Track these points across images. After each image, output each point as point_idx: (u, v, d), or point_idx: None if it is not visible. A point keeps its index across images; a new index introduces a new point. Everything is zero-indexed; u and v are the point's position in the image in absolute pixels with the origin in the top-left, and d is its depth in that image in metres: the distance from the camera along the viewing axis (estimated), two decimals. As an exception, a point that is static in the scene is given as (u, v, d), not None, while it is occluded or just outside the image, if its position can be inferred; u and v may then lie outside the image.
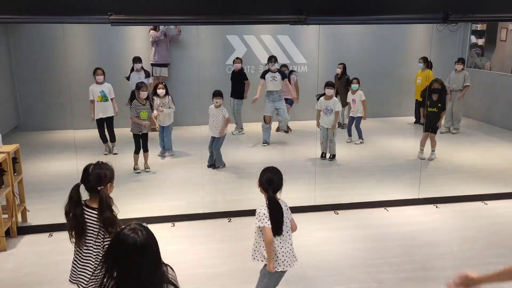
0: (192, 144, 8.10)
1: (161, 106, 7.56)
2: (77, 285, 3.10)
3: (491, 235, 5.15)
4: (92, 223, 3.00)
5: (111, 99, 7.82)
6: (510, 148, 8.54)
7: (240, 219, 5.48)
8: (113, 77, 8.24)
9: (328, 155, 7.79)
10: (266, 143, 8.61)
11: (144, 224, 2.10)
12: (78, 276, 3.06)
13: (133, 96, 7.41)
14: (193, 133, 7.95)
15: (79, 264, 3.06)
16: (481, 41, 11.36)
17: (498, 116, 10.16)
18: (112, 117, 7.94)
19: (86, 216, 3.00)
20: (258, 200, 5.22)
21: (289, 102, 9.35)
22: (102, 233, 3.00)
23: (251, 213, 4.85)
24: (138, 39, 9.78)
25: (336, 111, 7.52)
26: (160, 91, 7.54)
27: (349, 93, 8.72)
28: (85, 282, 3.05)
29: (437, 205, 5.95)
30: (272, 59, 8.58)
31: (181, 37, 9.77)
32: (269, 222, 3.30)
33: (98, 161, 3.09)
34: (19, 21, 6.37)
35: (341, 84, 9.44)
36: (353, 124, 8.73)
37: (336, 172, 7.21)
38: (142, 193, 6.28)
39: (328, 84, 7.55)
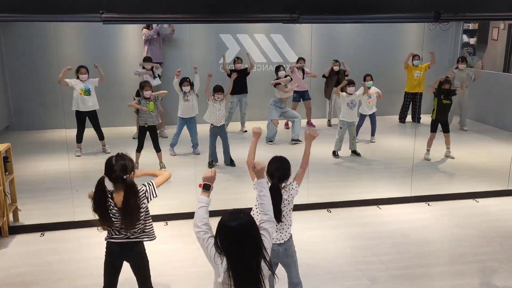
0: (185, 142, 8.07)
1: (187, 96, 7.55)
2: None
3: (483, 232, 5.20)
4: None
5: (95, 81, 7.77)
6: (501, 146, 8.61)
7: (234, 218, 5.47)
8: (105, 76, 8.17)
9: (347, 152, 7.87)
10: (271, 141, 8.64)
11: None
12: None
13: (138, 93, 7.38)
14: (186, 132, 7.93)
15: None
16: (472, 40, 11.44)
17: (489, 115, 10.24)
18: (95, 112, 7.84)
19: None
20: (253, 200, 5.18)
21: (307, 97, 9.47)
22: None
23: (245, 211, 4.88)
24: (131, 37, 9.74)
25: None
26: (186, 88, 7.53)
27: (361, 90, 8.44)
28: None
29: (429, 203, 5.99)
30: (280, 67, 8.86)
31: (174, 36, 9.74)
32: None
33: (118, 153, 3.19)
34: (10, 19, 6.31)
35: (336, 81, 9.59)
36: (363, 123, 8.69)
37: (329, 171, 7.24)
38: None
39: (350, 83, 7.69)
